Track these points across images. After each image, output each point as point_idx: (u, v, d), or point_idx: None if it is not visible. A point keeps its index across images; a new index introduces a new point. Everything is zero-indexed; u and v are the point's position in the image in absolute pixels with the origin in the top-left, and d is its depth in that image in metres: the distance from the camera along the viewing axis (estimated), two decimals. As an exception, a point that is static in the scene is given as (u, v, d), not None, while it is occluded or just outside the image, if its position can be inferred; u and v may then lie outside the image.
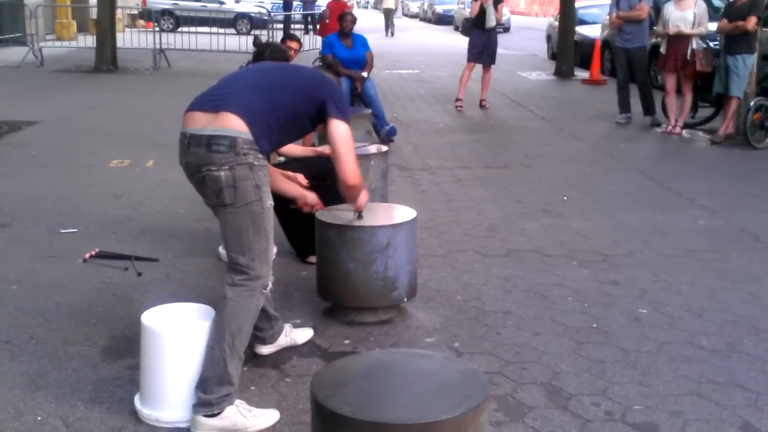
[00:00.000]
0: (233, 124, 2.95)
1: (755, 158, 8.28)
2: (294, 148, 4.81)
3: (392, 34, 28.33)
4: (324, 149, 4.76)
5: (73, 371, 3.43)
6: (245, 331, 3.05)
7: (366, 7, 63.69)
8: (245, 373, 3.28)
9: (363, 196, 3.69)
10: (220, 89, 3.16)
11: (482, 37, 11.01)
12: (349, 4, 22.62)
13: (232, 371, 2.97)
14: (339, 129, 3.18)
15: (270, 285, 3.16)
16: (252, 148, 2.97)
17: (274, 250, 3.26)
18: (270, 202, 3.09)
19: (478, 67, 11.22)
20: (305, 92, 3.19)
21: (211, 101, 3.08)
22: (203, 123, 2.99)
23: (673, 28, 9.10)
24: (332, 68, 8.46)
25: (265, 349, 3.58)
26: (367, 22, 30.66)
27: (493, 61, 11.20)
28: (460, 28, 11.98)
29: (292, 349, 3.65)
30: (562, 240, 5.37)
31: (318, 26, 9.16)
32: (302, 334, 3.75)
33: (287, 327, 3.68)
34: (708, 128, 9.54)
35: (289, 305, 4.16)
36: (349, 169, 3.25)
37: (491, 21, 10.90)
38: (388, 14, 29.56)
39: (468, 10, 12.48)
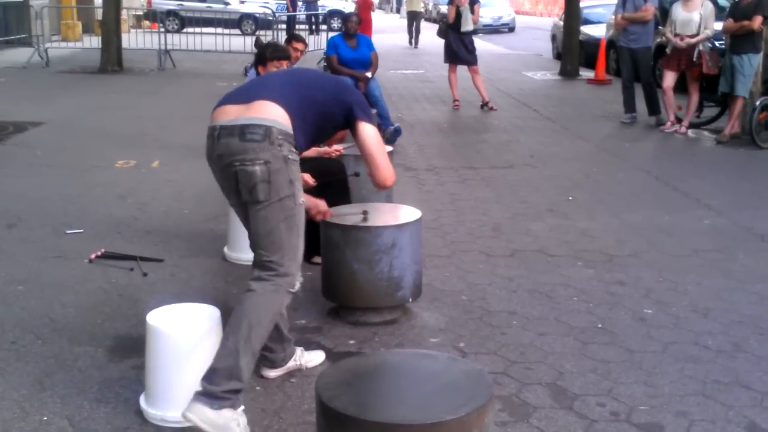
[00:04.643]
0: (268, 113, 2.90)
1: (761, 158, 8.26)
2: None
3: (416, 44, 22.99)
4: (327, 149, 4.76)
5: (79, 371, 3.44)
6: (264, 326, 2.93)
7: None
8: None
9: None
10: (252, 85, 3.17)
11: (457, 40, 11.01)
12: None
13: (243, 366, 2.84)
14: (369, 131, 3.18)
15: (298, 285, 3.03)
16: (287, 139, 2.91)
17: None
18: (302, 199, 3.02)
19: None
20: (335, 95, 3.18)
21: (243, 94, 3.04)
22: (235, 114, 2.93)
23: (681, 43, 9.06)
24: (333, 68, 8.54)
25: (273, 373, 3.41)
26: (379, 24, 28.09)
27: (473, 62, 11.12)
28: (437, 31, 11.94)
29: (297, 350, 3.65)
30: (568, 240, 5.36)
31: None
32: (312, 359, 3.54)
33: (298, 351, 3.49)
34: (713, 128, 9.52)
35: (294, 305, 4.15)
36: (386, 171, 3.24)
37: (468, 25, 10.89)
38: (414, 18, 23.67)
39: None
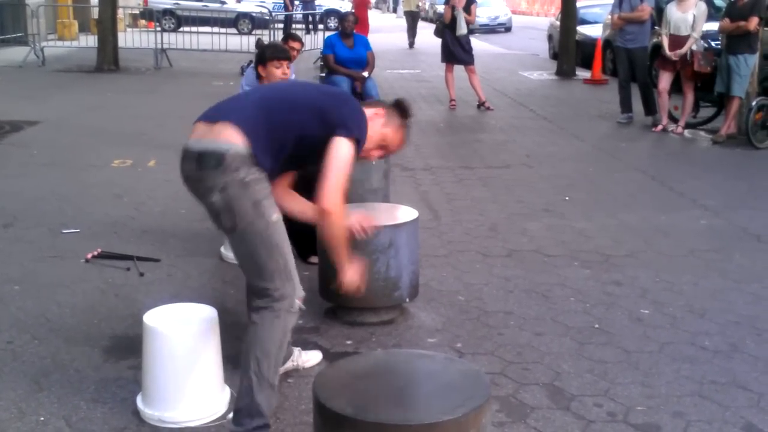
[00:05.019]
0: (225, 136, 2.77)
1: (757, 158, 8.27)
2: None
3: (412, 44, 22.37)
4: None
5: (76, 371, 3.43)
6: (272, 356, 2.83)
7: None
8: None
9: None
10: (228, 101, 3.03)
11: (454, 39, 11.00)
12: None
13: (261, 401, 2.79)
14: (339, 146, 2.82)
15: (299, 303, 2.89)
16: (244, 162, 2.74)
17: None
18: (275, 216, 2.84)
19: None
20: (318, 112, 2.90)
21: (214, 112, 2.93)
22: (201, 134, 2.84)
23: (675, 57, 9.08)
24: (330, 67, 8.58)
25: None
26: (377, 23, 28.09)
27: (470, 62, 11.11)
28: (434, 31, 11.95)
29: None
30: (564, 240, 5.37)
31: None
32: (309, 359, 3.55)
33: (296, 352, 3.49)
34: (710, 128, 9.54)
35: (291, 305, 4.16)
36: (330, 192, 2.80)
37: (462, 29, 10.89)
38: (413, 18, 22.93)
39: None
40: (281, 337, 2.86)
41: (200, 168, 2.78)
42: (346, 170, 2.85)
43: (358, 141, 2.90)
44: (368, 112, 3.07)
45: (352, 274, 3.06)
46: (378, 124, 3.12)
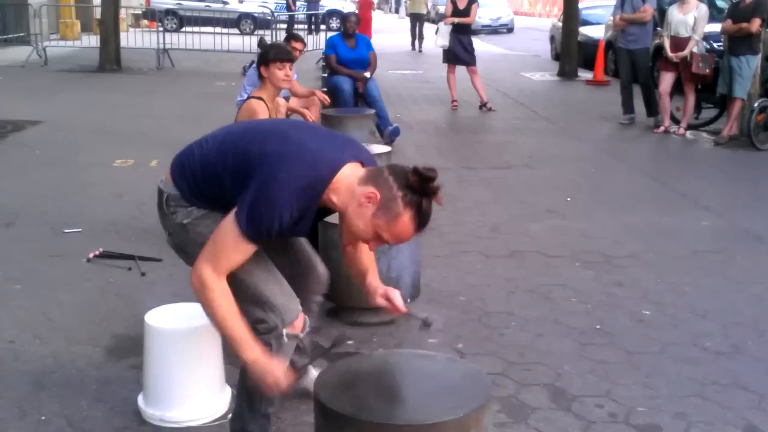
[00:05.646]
0: (166, 176, 2.63)
1: (759, 159, 8.26)
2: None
3: (420, 48, 21.40)
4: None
5: (77, 371, 3.43)
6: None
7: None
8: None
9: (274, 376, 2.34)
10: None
11: (455, 40, 10.95)
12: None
13: (253, 430, 2.72)
14: (228, 222, 2.30)
15: (287, 331, 2.55)
16: (180, 204, 2.55)
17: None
18: None
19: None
20: (242, 165, 2.38)
21: None
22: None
23: (676, 59, 9.08)
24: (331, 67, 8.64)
25: None
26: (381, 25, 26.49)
27: (472, 62, 11.07)
28: (436, 31, 11.91)
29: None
30: (566, 241, 5.37)
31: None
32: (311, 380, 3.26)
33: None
34: (712, 129, 9.53)
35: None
36: (200, 269, 2.32)
37: (444, 40, 10.87)
38: (417, 21, 21.99)
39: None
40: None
41: (157, 207, 2.66)
42: (226, 250, 2.32)
43: (248, 230, 2.28)
44: (359, 190, 2.35)
45: (271, 375, 2.32)
46: (368, 212, 2.32)
